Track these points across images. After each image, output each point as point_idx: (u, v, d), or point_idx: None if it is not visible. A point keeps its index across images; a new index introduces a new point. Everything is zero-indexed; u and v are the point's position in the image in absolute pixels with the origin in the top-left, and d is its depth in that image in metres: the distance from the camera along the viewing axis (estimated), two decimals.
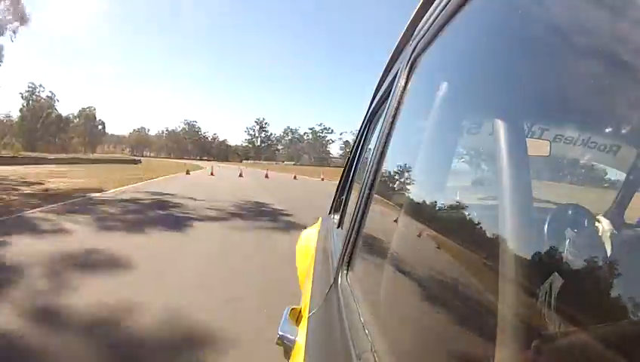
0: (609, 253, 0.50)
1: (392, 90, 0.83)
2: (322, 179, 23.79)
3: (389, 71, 1.03)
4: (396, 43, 0.90)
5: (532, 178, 0.38)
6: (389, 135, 0.75)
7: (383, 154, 0.75)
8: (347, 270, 0.75)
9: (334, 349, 0.55)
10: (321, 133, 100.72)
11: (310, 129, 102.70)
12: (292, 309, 0.86)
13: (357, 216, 0.78)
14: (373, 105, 1.39)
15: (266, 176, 24.48)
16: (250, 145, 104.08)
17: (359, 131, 1.84)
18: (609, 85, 0.28)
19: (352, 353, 0.47)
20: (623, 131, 0.28)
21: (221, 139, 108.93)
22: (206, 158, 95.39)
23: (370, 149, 1.21)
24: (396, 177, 0.80)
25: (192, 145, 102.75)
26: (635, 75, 0.25)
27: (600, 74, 0.29)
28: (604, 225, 0.86)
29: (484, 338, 0.33)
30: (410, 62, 0.72)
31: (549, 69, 0.37)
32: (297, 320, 0.83)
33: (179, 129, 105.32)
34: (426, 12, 0.65)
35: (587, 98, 0.31)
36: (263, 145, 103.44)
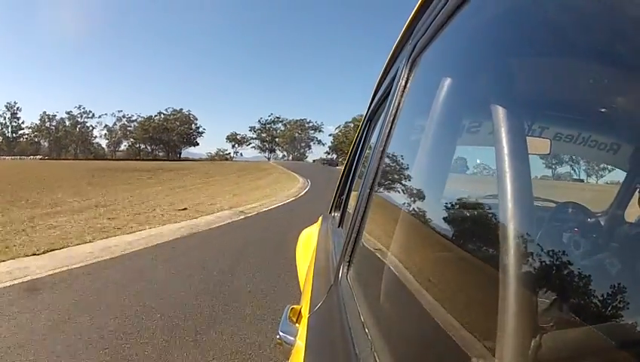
0: (609, 251, 0.50)
1: (392, 89, 0.83)
2: None
3: (389, 70, 1.03)
4: (396, 42, 0.90)
5: (532, 176, 0.38)
6: (389, 134, 0.74)
7: (383, 153, 0.75)
8: (347, 269, 0.75)
9: (334, 348, 0.55)
10: (80, 117, 73.49)
11: (67, 113, 73.58)
12: (292, 308, 0.86)
13: (357, 215, 0.78)
14: (373, 104, 1.39)
15: None
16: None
17: (359, 131, 1.83)
18: (609, 85, 0.28)
19: (352, 352, 0.47)
20: (623, 130, 0.28)
21: None
22: None
23: (370, 148, 1.21)
24: (397, 176, 0.80)
25: None
26: (635, 75, 0.25)
27: (600, 74, 0.28)
28: (603, 224, 0.86)
29: (484, 337, 0.33)
30: (410, 61, 0.72)
31: (549, 68, 0.37)
32: (297, 320, 0.84)
33: None
34: (426, 10, 0.65)
35: (587, 97, 0.31)
36: (14, 135, 70.33)
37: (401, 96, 0.73)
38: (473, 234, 0.45)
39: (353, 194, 1.42)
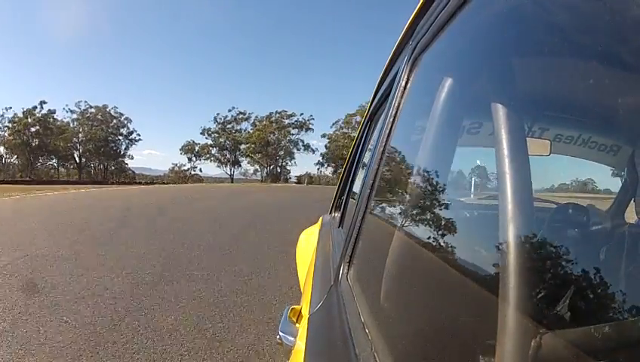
0: (609, 252, 0.50)
1: (393, 90, 0.83)
2: None
3: (390, 70, 1.03)
4: (397, 41, 0.90)
5: (532, 177, 0.38)
6: (389, 134, 0.74)
7: (383, 153, 0.75)
8: (348, 269, 0.75)
9: (334, 349, 0.55)
10: None
11: None
12: (292, 309, 0.86)
13: (357, 215, 0.78)
14: (374, 104, 1.39)
15: None
16: None
17: (359, 130, 1.83)
18: (609, 85, 0.28)
19: (352, 353, 0.47)
20: (623, 131, 0.28)
21: None
22: None
23: (370, 148, 1.21)
24: (397, 176, 0.80)
25: None
26: (635, 75, 0.25)
27: (600, 74, 0.28)
28: (604, 225, 0.86)
29: (484, 337, 0.33)
30: (411, 62, 0.72)
31: (549, 68, 0.37)
32: (298, 320, 0.84)
33: None
34: (427, 11, 0.65)
35: (587, 98, 0.31)
36: None
37: (402, 96, 0.73)
38: (473, 234, 0.45)
39: (353, 195, 1.42)
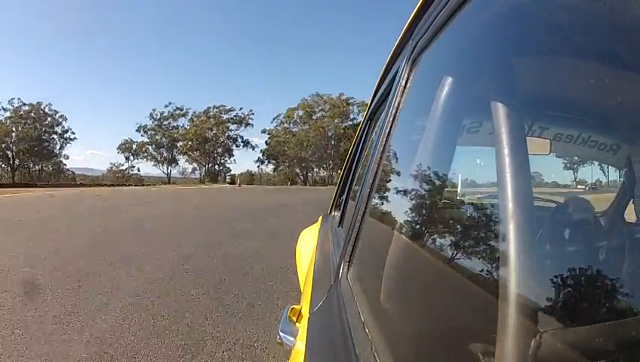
0: (609, 251, 0.50)
1: (393, 89, 0.83)
2: None
3: (389, 70, 1.03)
4: (396, 41, 0.90)
5: (532, 177, 0.38)
6: (389, 134, 0.74)
7: (383, 152, 0.75)
8: (348, 269, 0.75)
9: (334, 349, 0.55)
10: None
11: None
12: (292, 308, 0.86)
13: (357, 214, 0.78)
14: (374, 104, 1.39)
15: None
16: None
17: (359, 130, 1.83)
18: (609, 85, 0.28)
19: (352, 353, 0.47)
20: (623, 131, 0.28)
21: None
22: None
23: (370, 148, 1.21)
24: (397, 176, 0.80)
25: None
26: (635, 75, 0.25)
27: (600, 74, 0.28)
28: (604, 224, 0.86)
29: (484, 337, 0.33)
30: (411, 61, 0.72)
31: (549, 68, 0.37)
32: (298, 319, 0.84)
33: None
34: (427, 10, 0.65)
35: (587, 98, 0.31)
36: None
37: (402, 95, 0.73)
38: (473, 233, 0.45)
39: (353, 194, 1.42)
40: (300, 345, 0.68)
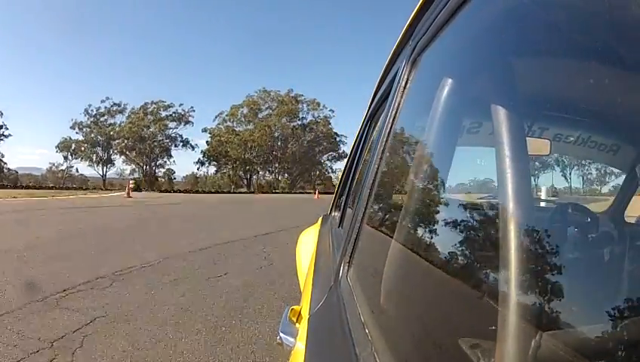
0: (609, 252, 0.50)
1: (393, 89, 0.83)
2: None
3: (389, 70, 1.03)
4: (396, 42, 0.90)
5: (532, 177, 0.38)
6: (389, 134, 0.74)
7: (383, 153, 0.75)
8: (347, 269, 0.75)
9: (334, 349, 0.55)
10: None
11: None
12: (292, 309, 0.86)
13: (358, 215, 0.78)
14: (374, 104, 1.39)
15: None
16: None
17: (359, 130, 1.83)
18: (609, 85, 0.28)
19: (352, 353, 0.47)
20: (623, 131, 0.28)
21: None
22: None
23: (370, 148, 1.21)
24: (397, 176, 0.80)
25: None
26: (635, 75, 0.25)
27: (600, 74, 0.28)
28: (604, 224, 0.86)
29: (484, 337, 0.33)
30: (411, 61, 0.72)
31: (549, 68, 0.37)
32: (298, 320, 0.83)
33: None
34: (427, 10, 0.65)
35: (587, 98, 0.31)
36: None
37: (402, 96, 0.73)
38: (473, 234, 0.45)
39: (353, 194, 1.42)
40: (300, 346, 0.68)
